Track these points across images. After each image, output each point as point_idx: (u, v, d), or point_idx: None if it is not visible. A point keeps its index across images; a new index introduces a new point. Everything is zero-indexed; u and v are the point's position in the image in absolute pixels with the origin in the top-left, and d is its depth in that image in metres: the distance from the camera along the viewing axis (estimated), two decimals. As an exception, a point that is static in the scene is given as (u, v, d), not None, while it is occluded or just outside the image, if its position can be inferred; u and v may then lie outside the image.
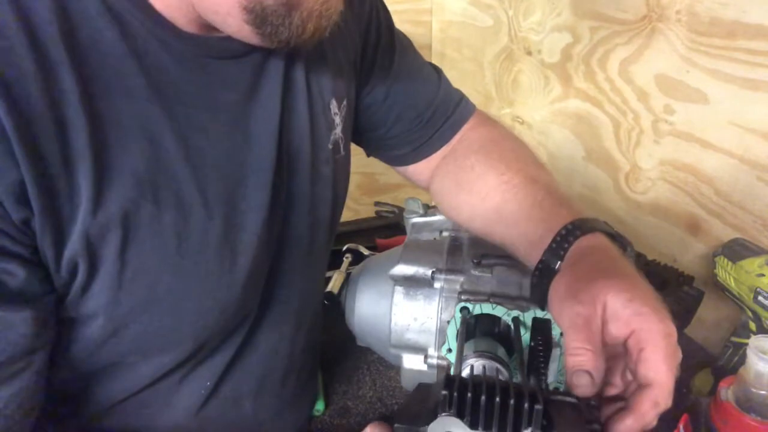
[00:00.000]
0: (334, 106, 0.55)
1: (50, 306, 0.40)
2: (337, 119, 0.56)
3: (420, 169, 0.68)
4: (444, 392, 0.33)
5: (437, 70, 0.68)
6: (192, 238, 0.43)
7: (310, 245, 0.56)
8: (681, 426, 0.61)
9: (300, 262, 0.56)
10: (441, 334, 0.58)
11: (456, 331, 0.50)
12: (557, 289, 0.43)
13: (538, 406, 0.32)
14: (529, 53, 1.10)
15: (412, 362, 0.61)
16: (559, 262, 0.46)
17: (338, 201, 0.60)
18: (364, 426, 0.39)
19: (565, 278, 0.43)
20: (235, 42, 0.45)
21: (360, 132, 0.65)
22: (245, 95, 0.47)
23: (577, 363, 0.37)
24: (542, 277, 0.47)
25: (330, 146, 0.56)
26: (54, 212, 0.37)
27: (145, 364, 0.48)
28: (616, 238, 0.48)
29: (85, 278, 0.40)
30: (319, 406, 0.71)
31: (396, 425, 0.33)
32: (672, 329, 0.38)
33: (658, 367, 0.37)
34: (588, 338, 0.38)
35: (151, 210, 0.41)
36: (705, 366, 0.75)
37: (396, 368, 0.76)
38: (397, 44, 0.64)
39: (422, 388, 0.39)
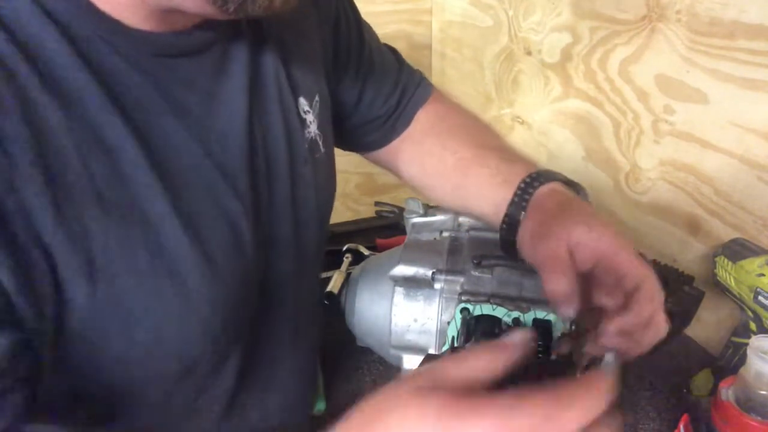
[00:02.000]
0: (303, 104, 0.54)
1: (7, 355, 0.33)
2: (310, 117, 0.54)
3: (391, 151, 0.69)
4: None
5: (393, 50, 0.70)
6: (165, 253, 0.39)
7: (298, 249, 0.54)
8: (681, 426, 0.61)
9: (290, 267, 0.53)
10: (441, 335, 0.59)
11: (456, 332, 0.50)
12: (525, 234, 0.49)
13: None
14: (529, 53, 1.10)
15: (412, 363, 0.61)
16: (522, 213, 0.51)
17: (323, 202, 0.58)
18: None
19: (531, 223, 0.49)
20: (190, 38, 0.42)
21: (334, 123, 0.63)
22: (207, 95, 0.43)
23: (552, 290, 0.42)
24: (509, 230, 0.52)
25: (306, 146, 0.54)
26: (9, 242, 0.32)
27: (137, 394, 0.44)
28: (571, 184, 0.53)
29: (56, 310, 0.35)
30: (320, 405, 0.71)
31: None
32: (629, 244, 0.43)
33: (635, 263, 0.42)
34: (558, 266, 0.43)
35: (116, 228, 0.37)
36: (705, 366, 0.75)
37: (396, 368, 0.76)
38: (365, 35, 0.65)
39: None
